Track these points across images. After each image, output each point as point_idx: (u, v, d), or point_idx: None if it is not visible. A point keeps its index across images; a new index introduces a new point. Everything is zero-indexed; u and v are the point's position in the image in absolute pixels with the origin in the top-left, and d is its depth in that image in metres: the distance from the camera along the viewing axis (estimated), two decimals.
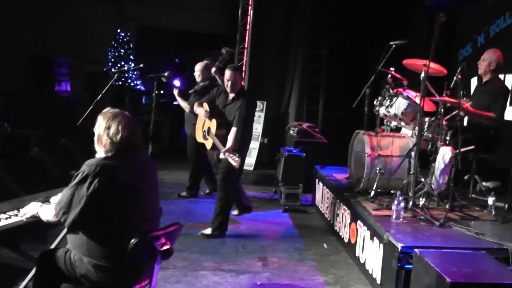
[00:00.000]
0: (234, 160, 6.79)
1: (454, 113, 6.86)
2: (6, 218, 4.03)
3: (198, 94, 8.83)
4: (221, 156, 7.08)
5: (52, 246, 4.85)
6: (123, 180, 3.71)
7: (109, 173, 3.66)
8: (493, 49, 7.63)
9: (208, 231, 7.42)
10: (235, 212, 8.28)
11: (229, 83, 7.49)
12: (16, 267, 5.56)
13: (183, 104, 9.03)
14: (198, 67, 9.25)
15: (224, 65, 9.57)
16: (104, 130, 3.85)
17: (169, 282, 5.67)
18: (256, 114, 12.62)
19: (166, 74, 8.55)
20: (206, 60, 9.56)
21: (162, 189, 8.06)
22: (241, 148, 7.31)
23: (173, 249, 3.77)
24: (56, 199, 4.06)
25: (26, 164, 8.61)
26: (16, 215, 4.06)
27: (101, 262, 3.70)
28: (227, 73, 7.49)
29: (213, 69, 9.15)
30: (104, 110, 4.00)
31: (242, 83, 7.85)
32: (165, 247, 3.68)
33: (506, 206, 6.57)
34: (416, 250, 4.86)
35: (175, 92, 8.87)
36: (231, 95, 7.57)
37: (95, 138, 3.92)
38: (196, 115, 8.53)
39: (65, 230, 4.28)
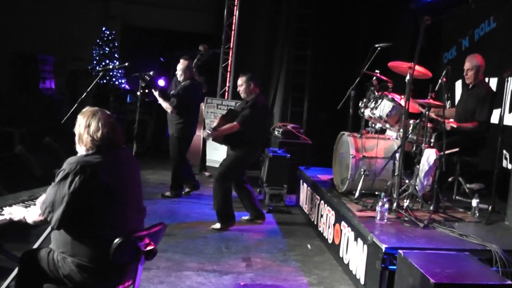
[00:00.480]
0: (206, 133, 7.48)
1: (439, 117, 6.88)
2: None
3: (178, 96, 8.87)
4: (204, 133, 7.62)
5: (35, 246, 4.81)
6: (105, 179, 3.68)
7: (90, 171, 3.63)
8: (474, 55, 7.67)
9: (217, 225, 7.72)
10: (247, 218, 8.31)
11: (241, 88, 7.87)
12: None
13: (165, 104, 9.00)
14: (180, 66, 9.21)
15: (203, 63, 9.58)
16: (85, 128, 3.82)
17: (152, 282, 5.64)
18: None
19: (150, 73, 8.51)
20: (183, 58, 9.53)
21: (145, 189, 8.06)
22: (241, 147, 7.65)
23: (157, 250, 3.75)
24: (41, 199, 4.04)
25: (9, 162, 8.56)
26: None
27: (84, 262, 3.67)
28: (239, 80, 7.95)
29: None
30: (84, 109, 3.98)
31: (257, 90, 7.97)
32: (149, 248, 3.66)
33: (490, 208, 6.62)
34: (400, 251, 4.88)
35: (156, 93, 8.84)
36: (245, 100, 7.90)
37: (76, 138, 3.89)
38: (180, 116, 8.60)
39: (48, 230, 4.25)
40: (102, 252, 3.59)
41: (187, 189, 9.74)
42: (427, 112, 6.69)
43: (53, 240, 3.82)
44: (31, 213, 3.85)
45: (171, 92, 9.24)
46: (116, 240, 3.53)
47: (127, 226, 3.77)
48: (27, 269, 3.87)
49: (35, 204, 4.04)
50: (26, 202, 4.30)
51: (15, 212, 3.96)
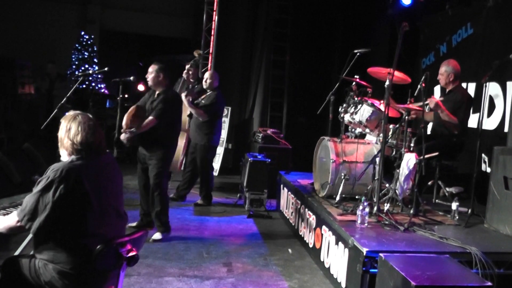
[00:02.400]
0: (124, 136, 7.22)
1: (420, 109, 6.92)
2: None
3: (212, 105, 9.18)
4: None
5: (17, 253, 4.77)
6: (89, 185, 3.66)
7: (74, 177, 3.61)
8: (447, 60, 7.78)
9: (158, 235, 7.47)
10: (134, 224, 7.91)
11: (150, 76, 7.55)
12: None
13: (196, 111, 9.21)
14: (207, 74, 9.53)
15: (196, 68, 9.62)
16: (65, 132, 3.82)
17: None
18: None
19: (131, 78, 8.50)
20: (186, 64, 9.58)
21: (125, 195, 8.04)
22: (159, 147, 7.47)
23: (139, 256, 3.74)
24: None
25: None
26: None
27: (65, 269, 3.65)
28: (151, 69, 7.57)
29: (188, 77, 9.28)
30: (66, 114, 3.96)
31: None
32: (131, 254, 3.65)
33: (469, 211, 6.69)
34: (381, 254, 4.92)
35: (185, 100, 8.85)
36: (154, 93, 7.66)
37: (59, 142, 3.88)
38: (210, 125, 9.08)
39: (29, 237, 4.21)
40: (83, 258, 3.58)
41: (171, 195, 9.74)
42: (406, 117, 6.74)
43: (34, 247, 3.78)
44: (5, 220, 3.78)
45: (202, 101, 9.34)
46: (98, 246, 3.51)
47: (109, 232, 3.76)
48: (9, 276, 3.83)
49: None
50: (7, 209, 4.25)
51: None
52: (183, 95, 8.78)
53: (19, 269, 3.79)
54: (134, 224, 7.76)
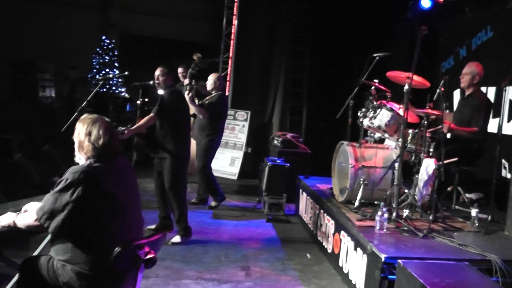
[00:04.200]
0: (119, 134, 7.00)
1: (437, 127, 6.91)
2: None
3: (214, 105, 9.15)
4: None
5: (35, 253, 4.80)
6: (106, 188, 3.70)
7: (93, 180, 3.65)
8: (474, 62, 7.71)
9: (177, 238, 7.48)
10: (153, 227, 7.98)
11: (161, 79, 7.66)
12: None
13: (197, 109, 9.22)
14: (211, 77, 9.49)
15: (197, 72, 9.65)
16: (85, 136, 3.84)
17: None
18: (240, 123, 12.71)
19: (150, 82, 8.55)
20: (180, 67, 9.62)
21: (144, 197, 8.09)
22: (170, 146, 7.47)
23: (157, 258, 3.75)
24: (30, 205, 4.07)
25: (8, 170, 8.56)
26: None
27: (83, 270, 3.67)
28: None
29: (184, 79, 9.32)
30: (82, 117, 3.99)
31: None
32: (149, 256, 3.66)
33: (489, 217, 6.61)
34: (399, 260, 4.88)
35: (188, 97, 8.88)
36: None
37: (76, 145, 3.91)
38: (212, 126, 8.95)
39: (48, 237, 4.25)
40: (101, 260, 3.60)
41: (193, 200, 9.77)
42: (425, 122, 6.70)
43: (53, 247, 3.82)
44: (24, 217, 3.85)
45: (206, 101, 9.38)
46: (116, 248, 3.53)
47: (126, 234, 3.78)
48: (27, 276, 3.87)
49: None
50: (17, 213, 4.29)
51: (3, 219, 3.97)
52: (185, 93, 8.82)
53: (38, 269, 3.83)
54: (153, 226, 7.81)
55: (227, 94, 14.19)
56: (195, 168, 9.72)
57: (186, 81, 9.52)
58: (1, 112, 13.56)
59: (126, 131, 7.19)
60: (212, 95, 9.39)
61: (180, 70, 10.00)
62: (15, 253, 5.05)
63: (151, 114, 7.39)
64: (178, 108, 7.58)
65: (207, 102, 9.34)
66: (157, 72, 7.61)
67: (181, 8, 18.81)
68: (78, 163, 3.88)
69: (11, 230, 3.92)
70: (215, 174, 11.27)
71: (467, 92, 7.62)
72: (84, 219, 3.63)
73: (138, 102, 8.93)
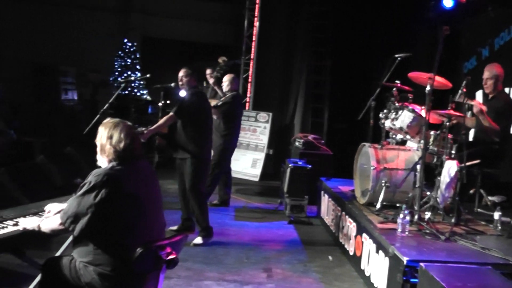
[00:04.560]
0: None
1: (461, 120, 6.80)
2: (14, 225, 4.07)
3: (228, 105, 9.05)
4: None
5: (58, 254, 4.86)
6: (129, 190, 3.73)
7: (116, 182, 3.69)
8: (493, 64, 7.62)
9: (199, 240, 7.49)
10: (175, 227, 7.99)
11: (184, 80, 7.71)
12: (19, 273, 5.58)
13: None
14: (226, 78, 9.44)
15: (222, 75, 9.68)
16: (107, 139, 3.89)
17: None
18: (262, 125, 12.72)
19: (172, 84, 8.59)
20: (208, 69, 9.65)
21: (166, 199, 8.12)
22: (191, 147, 7.47)
23: (178, 259, 3.77)
24: (52, 206, 4.15)
25: (31, 172, 8.65)
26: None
27: (105, 271, 3.70)
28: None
29: (211, 80, 9.34)
30: (104, 121, 4.04)
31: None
32: (170, 257, 3.68)
33: None
34: (421, 264, 4.85)
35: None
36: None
37: (98, 149, 3.96)
38: (227, 127, 8.79)
39: (70, 238, 4.29)
40: (123, 261, 3.63)
41: (215, 201, 9.78)
42: (447, 123, 6.65)
43: (75, 248, 3.86)
44: (49, 222, 3.91)
45: (220, 101, 9.41)
46: (138, 249, 3.55)
47: (148, 236, 3.80)
48: (49, 277, 3.92)
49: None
50: (39, 215, 4.34)
51: (28, 222, 4.02)
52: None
53: (60, 269, 3.86)
54: (175, 227, 7.83)
55: (248, 95, 14.23)
56: None
57: (211, 81, 9.59)
58: (23, 115, 13.68)
59: (146, 131, 7.23)
60: (226, 96, 9.40)
61: (208, 71, 10.02)
62: (38, 253, 5.10)
63: (170, 113, 7.44)
64: (199, 109, 7.59)
65: (220, 103, 9.36)
66: (181, 73, 7.65)
67: (202, 10, 18.86)
68: (100, 166, 3.92)
69: (34, 232, 3.97)
70: (236, 176, 11.35)
71: (491, 94, 7.54)
72: (107, 221, 3.67)
73: (160, 104, 8.95)
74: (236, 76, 9.49)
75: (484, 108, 7.13)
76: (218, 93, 9.73)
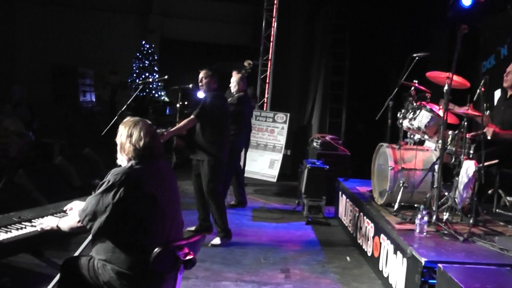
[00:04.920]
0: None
1: (479, 132, 6.76)
2: (32, 226, 4.12)
3: (234, 105, 8.95)
4: None
5: (76, 254, 4.89)
6: (147, 189, 3.75)
7: (134, 182, 3.72)
8: None
9: (217, 240, 7.50)
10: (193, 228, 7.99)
11: (204, 81, 7.71)
12: (38, 273, 5.65)
13: None
14: (234, 78, 9.34)
15: (247, 78, 9.67)
16: (127, 138, 3.91)
17: None
18: (279, 125, 12.71)
19: (189, 86, 8.62)
20: (234, 71, 9.66)
21: (184, 199, 8.13)
22: (208, 149, 7.50)
23: (196, 259, 3.78)
24: (75, 204, 4.23)
25: (50, 173, 8.73)
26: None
27: (123, 270, 3.73)
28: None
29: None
30: (125, 120, 4.07)
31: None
32: (188, 257, 3.69)
33: None
34: (439, 265, 4.83)
35: None
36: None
37: (118, 147, 3.98)
38: (234, 127, 8.71)
39: (89, 238, 4.33)
40: (141, 260, 3.65)
41: (232, 202, 9.79)
42: (465, 123, 6.61)
43: (94, 247, 3.89)
44: (67, 220, 3.96)
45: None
46: (156, 249, 3.57)
47: (166, 235, 3.84)
48: (68, 276, 3.95)
49: None
50: (55, 215, 4.38)
51: (45, 222, 4.07)
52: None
53: (78, 269, 3.90)
54: (192, 228, 7.85)
55: (266, 96, 14.25)
56: None
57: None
58: (42, 116, 13.79)
59: (165, 133, 7.25)
60: (233, 97, 9.30)
61: (234, 74, 9.99)
62: (56, 253, 5.16)
63: (191, 116, 7.42)
64: (220, 113, 7.59)
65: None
66: (201, 74, 7.67)
67: (220, 12, 18.91)
68: (120, 165, 3.95)
69: (52, 232, 4.00)
70: (254, 176, 11.35)
71: (510, 92, 7.48)
72: (124, 219, 3.70)
73: (178, 105, 9.00)
74: (243, 76, 9.42)
75: (497, 129, 7.07)
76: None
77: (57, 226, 3.98)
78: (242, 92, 9.30)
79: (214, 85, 7.71)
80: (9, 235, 3.92)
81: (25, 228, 4.08)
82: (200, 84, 7.68)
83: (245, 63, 10.03)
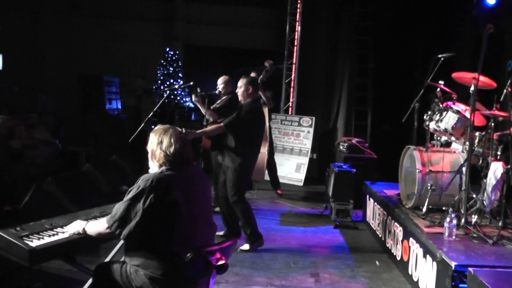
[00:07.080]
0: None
1: (505, 131, 6.70)
2: (63, 233, 4.19)
3: (222, 108, 8.89)
4: None
5: (107, 259, 4.97)
6: (178, 195, 3.79)
7: (164, 187, 3.76)
8: None
9: (246, 246, 7.47)
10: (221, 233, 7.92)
11: (239, 91, 7.57)
12: (68, 278, 5.74)
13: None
14: (221, 81, 9.20)
15: (268, 79, 9.63)
16: (157, 144, 3.98)
17: None
18: (305, 129, 12.71)
19: (217, 92, 8.66)
20: (252, 73, 9.65)
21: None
22: (234, 156, 7.42)
23: (228, 264, 3.81)
24: (71, 226, 4.22)
25: (78, 180, 8.79)
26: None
27: (156, 274, 3.77)
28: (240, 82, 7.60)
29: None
30: (155, 128, 4.14)
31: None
32: (220, 262, 3.73)
33: None
34: (470, 269, 4.80)
35: (195, 99, 8.78)
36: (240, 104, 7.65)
37: (149, 154, 4.05)
38: None
39: (119, 244, 4.38)
40: (173, 265, 3.71)
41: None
42: (492, 124, 6.55)
43: (126, 252, 3.95)
44: (95, 225, 4.02)
45: (217, 105, 9.31)
46: (189, 254, 3.63)
47: (198, 241, 3.88)
48: (101, 281, 4.03)
49: None
50: (98, 218, 4.45)
51: (73, 226, 4.14)
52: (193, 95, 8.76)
53: (111, 274, 3.96)
54: (221, 233, 7.84)
55: (291, 100, 14.26)
56: (261, 176, 9.74)
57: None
58: (70, 125, 13.93)
59: (189, 133, 7.18)
60: (222, 98, 9.10)
61: (252, 75, 9.99)
62: (87, 259, 5.25)
63: (221, 124, 7.37)
64: (252, 127, 7.49)
65: (217, 106, 9.11)
66: (219, 80, 7.68)
67: (244, 17, 18.94)
68: (149, 171, 4.00)
69: (82, 238, 4.06)
70: (281, 180, 11.33)
71: None
72: (155, 225, 3.75)
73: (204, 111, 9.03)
74: (231, 78, 9.34)
75: None
76: (262, 98, 9.69)
77: (83, 229, 4.05)
78: (231, 94, 9.16)
79: (230, 88, 7.68)
80: (41, 241, 3.99)
81: (57, 234, 4.15)
82: (218, 89, 7.64)
83: (266, 63, 10.02)
